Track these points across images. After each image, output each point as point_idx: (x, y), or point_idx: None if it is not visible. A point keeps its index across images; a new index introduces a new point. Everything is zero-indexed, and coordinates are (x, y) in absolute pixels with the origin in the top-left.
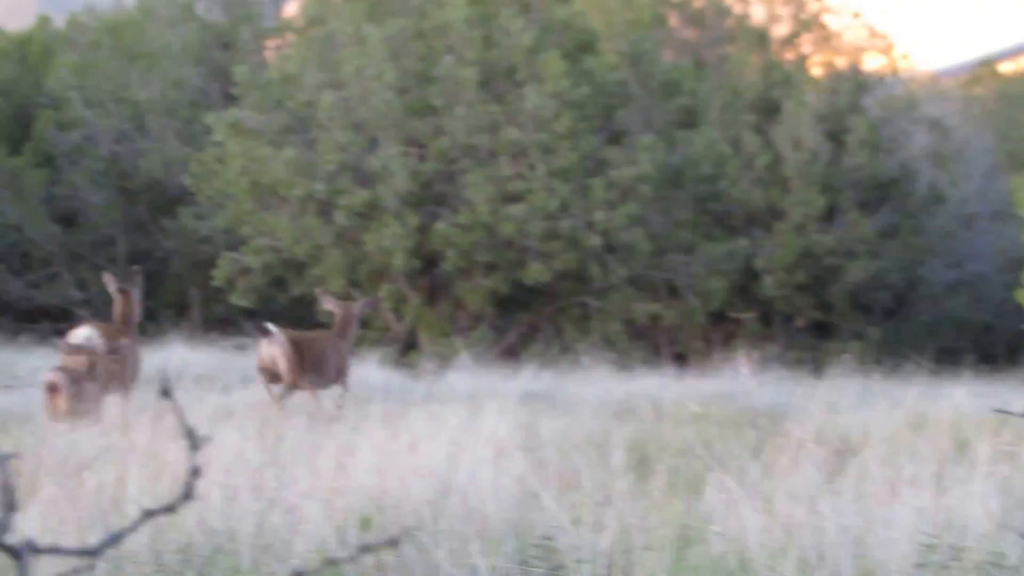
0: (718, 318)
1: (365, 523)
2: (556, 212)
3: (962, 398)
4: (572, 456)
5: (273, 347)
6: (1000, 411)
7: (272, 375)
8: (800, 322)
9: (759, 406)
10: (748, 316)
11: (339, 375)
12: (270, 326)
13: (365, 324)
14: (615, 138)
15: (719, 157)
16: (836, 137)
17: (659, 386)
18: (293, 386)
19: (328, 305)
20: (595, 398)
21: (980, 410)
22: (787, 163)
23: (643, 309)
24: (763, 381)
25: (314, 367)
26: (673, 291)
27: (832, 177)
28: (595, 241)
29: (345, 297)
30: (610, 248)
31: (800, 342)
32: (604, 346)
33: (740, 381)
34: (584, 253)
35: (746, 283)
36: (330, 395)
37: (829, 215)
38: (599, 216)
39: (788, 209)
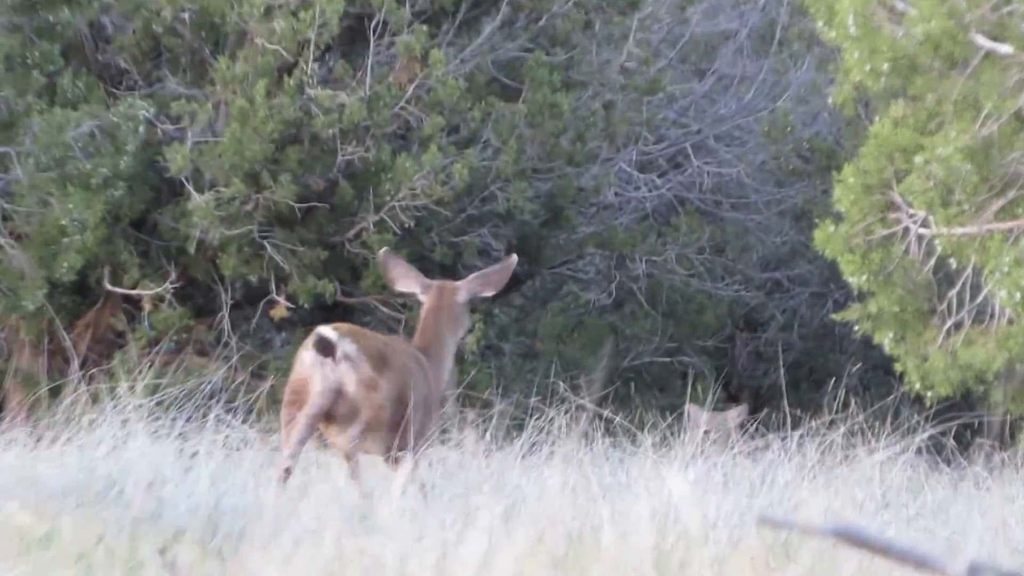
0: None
1: None
2: None
3: (682, 486)
4: None
5: (341, 369)
6: (768, 522)
7: (330, 420)
8: (280, 309)
9: (178, 516)
10: (156, 291)
11: (422, 426)
12: (327, 331)
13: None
14: None
15: None
16: None
17: None
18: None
19: (404, 284)
20: None
21: (724, 517)
22: None
23: None
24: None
25: (403, 406)
26: None
27: None
28: None
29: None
30: None
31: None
32: None
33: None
34: None
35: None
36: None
37: None
38: None
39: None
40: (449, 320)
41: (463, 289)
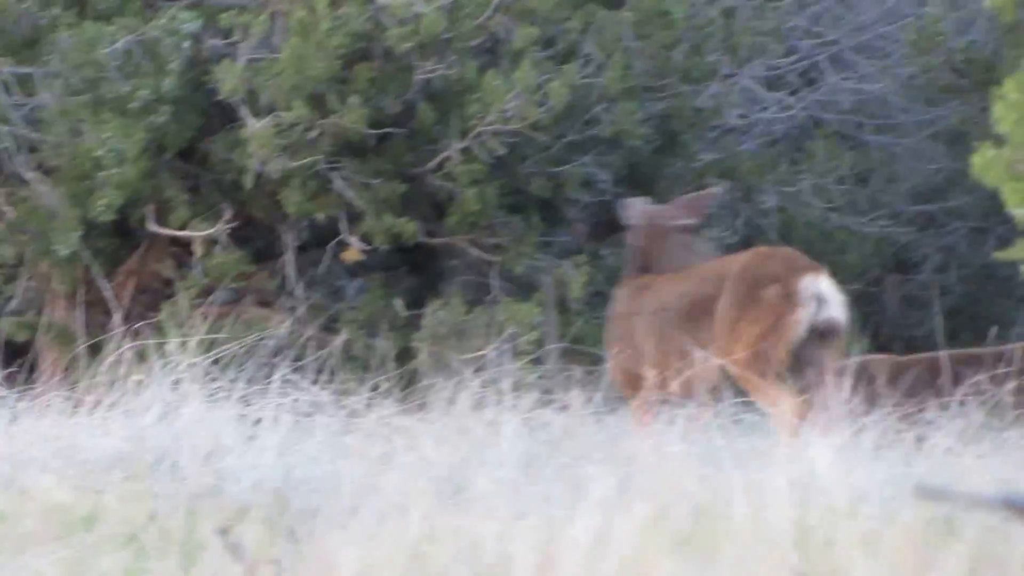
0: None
1: None
2: None
3: (825, 453)
4: None
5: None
6: (928, 493)
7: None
8: (352, 252)
9: (241, 491)
10: (208, 232)
11: None
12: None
13: None
14: None
15: None
16: None
17: None
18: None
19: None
20: None
21: (876, 488)
22: None
23: None
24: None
25: None
26: None
27: None
28: None
29: None
30: None
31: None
32: None
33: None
34: None
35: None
36: None
37: None
38: None
39: None
40: None
41: None
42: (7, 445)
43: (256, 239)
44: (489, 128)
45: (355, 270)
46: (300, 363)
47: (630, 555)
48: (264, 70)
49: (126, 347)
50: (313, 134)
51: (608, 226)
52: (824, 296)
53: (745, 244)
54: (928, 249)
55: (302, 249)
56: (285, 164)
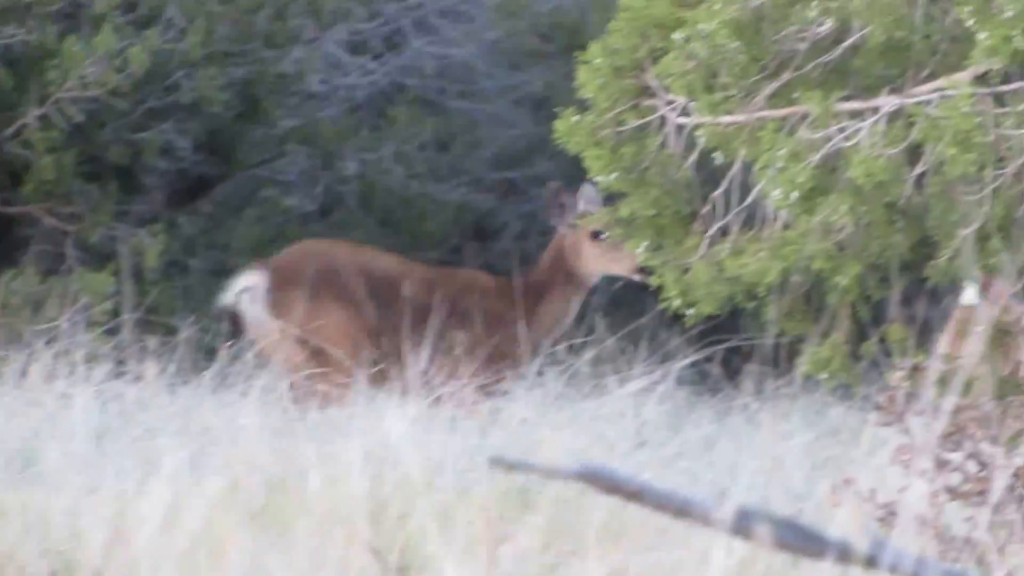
0: None
1: None
2: None
3: (400, 424)
4: None
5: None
6: (502, 464)
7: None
8: None
9: None
10: None
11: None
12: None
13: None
14: None
15: None
16: None
17: None
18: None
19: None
20: None
21: (452, 460)
22: None
23: None
24: None
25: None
26: None
27: None
28: None
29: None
30: None
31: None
32: None
33: None
34: None
35: None
36: None
37: None
38: None
39: None
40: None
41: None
42: None
43: None
44: (68, 94)
45: None
46: None
47: (202, 529)
48: None
49: None
50: None
51: (186, 193)
52: (239, 290)
53: (324, 213)
54: (509, 216)
55: None
56: None
